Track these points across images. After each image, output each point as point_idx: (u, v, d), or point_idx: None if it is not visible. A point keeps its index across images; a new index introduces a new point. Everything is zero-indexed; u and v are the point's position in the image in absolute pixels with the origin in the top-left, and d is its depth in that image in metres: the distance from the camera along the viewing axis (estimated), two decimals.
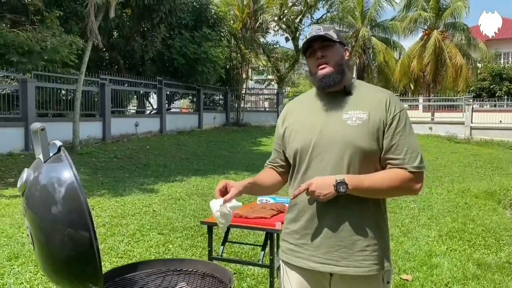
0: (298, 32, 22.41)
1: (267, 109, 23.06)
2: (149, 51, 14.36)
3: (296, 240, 1.61)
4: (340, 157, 1.52)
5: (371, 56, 24.31)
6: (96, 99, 12.47)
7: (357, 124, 1.52)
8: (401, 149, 1.52)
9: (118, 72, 14.00)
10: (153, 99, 16.67)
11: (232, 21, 19.19)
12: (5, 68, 9.48)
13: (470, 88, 23.64)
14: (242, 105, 20.40)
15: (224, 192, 1.56)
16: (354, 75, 20.47)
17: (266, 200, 3.11)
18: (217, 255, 2.82)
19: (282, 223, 2.05)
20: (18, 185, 1.25)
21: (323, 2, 22.18)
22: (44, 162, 1.23)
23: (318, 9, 22.58)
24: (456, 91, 22.18)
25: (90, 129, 11.60)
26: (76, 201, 1.16)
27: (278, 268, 1.86)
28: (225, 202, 1.53)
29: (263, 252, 2.66)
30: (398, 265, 3.95)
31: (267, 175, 1.78)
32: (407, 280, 3.62)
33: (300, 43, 17.79)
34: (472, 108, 17.40)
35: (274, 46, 22.52)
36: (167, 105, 16.33)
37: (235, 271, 3.64)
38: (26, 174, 1.24)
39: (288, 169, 1.72)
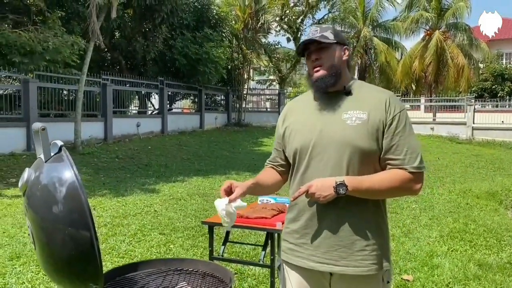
0: (299, 33, 22.42)
1: (268, 110, 23.06)
2: (150, 51, 14.38)
3: (296, 240, 1.62)
4: (339, 157, 1.52)
5: (373, 56, 24.28)
6: (98, 100, 12.49)
7: (356, 124, 1.52)
8: (401, 149, 1.52)
9: (119, 72, 14.01)
10: (155, 99, 16.68)
11: (233, 22, 19.20)
12: (7, 69, 9.51)
13: (472, 88, 23.60)
14: (243, 106, 20.41)
15: (229, 192, 1.57)
16: (356, 76, 20.46)
17: (267, 200, 3.11)
18: (218, 255, 2.83)
19: (283, 223, 2.05)
20: (19, 184, 1.26)
21: (325, 2, 22.20)
22: (45, 162, 1.23)
23: (320, 10, 22.64)
24: (458, 91, 22.14)
25: (92, 129, 11.62)
26: (77, 201, 1.17)
27: (279, 268, 1.86)
28: (230, 201, 1.54)
29: (264, 252, 2.66)
30: (399, 265, 3.95)
31: (268, 174, 1.78)
32: (408, 280, 3.62)
33: None
34: (474, 108, 17.37)
35: (276, 46, 22.54)
36: (168, 105, 16.35)
37: (236, 271, 3.64)
38: (27, 173, 1.25)
39: (288, 168, 1.73)
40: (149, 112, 16.33)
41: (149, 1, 13.08)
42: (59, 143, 1.25)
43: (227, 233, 2.89)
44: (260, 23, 19.47)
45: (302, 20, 22.45)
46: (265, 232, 2.67)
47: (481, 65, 24.92)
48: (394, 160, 1.52)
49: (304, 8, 21.89)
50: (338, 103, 1.59)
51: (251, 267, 3.69)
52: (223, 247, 2.84)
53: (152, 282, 1.58)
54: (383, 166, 1.55)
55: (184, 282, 1.56)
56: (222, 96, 20.39)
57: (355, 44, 23.11)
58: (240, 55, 19.53)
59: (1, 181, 7.39)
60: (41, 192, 1.21)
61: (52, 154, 1.24)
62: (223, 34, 17.39)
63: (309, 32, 1.62)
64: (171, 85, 15.93)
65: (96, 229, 1.21)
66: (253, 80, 27.80)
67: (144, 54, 14.48)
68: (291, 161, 1.67)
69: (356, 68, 24.22)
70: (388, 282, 1.60)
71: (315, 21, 22.50)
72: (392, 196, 1.62)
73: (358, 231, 1.53)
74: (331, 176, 1.50)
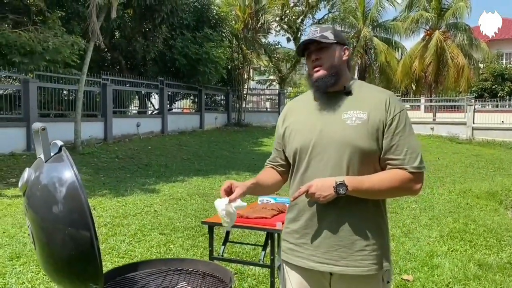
0: (299, 33, 22.42)
1: (268, 110, 23.06)
2: (150, 51, 14.38)
3: (296, 240, 1.62)
4: (339, 157, 1.52)
5: (373, 56, 24.28)
6: (98, 100, 12.49)
7: (356, 124, 1.52)
8: (401, 149, 1.52)
9: (119, 72, 14.02)
10: (155, 99, 16.68)
11: (233, 22, 19.21)
12: (7, 69, 9.51)
13: (472, 88, 23.60)
14: (243, 106, 20.41)
15: (229, 192, 1.57)
16: (356, 76, 20.47)
17: (267, 200, 3.11)
18: (218, 255, 2.82)
19: (283, 223, 2.05)
20: (19, 184, 1.26)
21: (325, 2, 22.20)
22: (45, 161, 1.23)
23: (320, 10, 22.64)
24: (458, 91, 22.15)
25: (92, 129, 11.62)
26: (77, 201, 1.16)
27: (279, 268, 1.86)
28: (230, 201, 1.54)
29: (264, 252, 2.66)
30: (399, 265, 3.95)
31: (268, 174, 1.78)
32: (408, 280, 3.62)
33: None
34: (474, 108, 17.37)
35: (276, 46, 22.54)
36: (168, 105, 16.35)
37: (236, 271, 3.64)
38: (27, 173, 1.25)
39: (288, 168, 1.73)
40: (149, 112, 16.33)
41: (149, 1, 13.08)
42: (59, 143, 1.25)
43: (227, 233, 2.89)
44: (260, 23, 19.47)
45: (302, 20, 22.46)
46: (265, 232, 2.67)
47: (481, 65, 24.92)
48: (394, 160, 1.52)
49: (304, 8, 21.90)
50: (338, 103, 1.59)
51: (251, 267, 3.69)
52: (223, 247, 2.84)
53: (152, 282, 1.57)
54: (383, 166, 1.55)
55: (184, 282, 1.56)
56: (222, 96, 20.39)
57: (355, 44, 23.12)
58: (240, 55, 19.54)
59: (1, 181, 7.39)
60: (41, 192, 1.21)
61: (52, 154, 1.24)
62: (223, 34, 17.39)
63: (309, 32, 1.62)
64: (171, 85, 15.93)
65: (96, 229, 1.21)
66: (253, 80, 27.80)
67: (144, 54, 14.49)
68: (291, 161, 1.67)
69: (356, 68, 24.23)
70: (388, 282, 1.60)
71: (315, 21, 22.50)
72: (392, 196, 1.62)
73: (358, 231, 1.53)
74: (331, 176, 1.50)
